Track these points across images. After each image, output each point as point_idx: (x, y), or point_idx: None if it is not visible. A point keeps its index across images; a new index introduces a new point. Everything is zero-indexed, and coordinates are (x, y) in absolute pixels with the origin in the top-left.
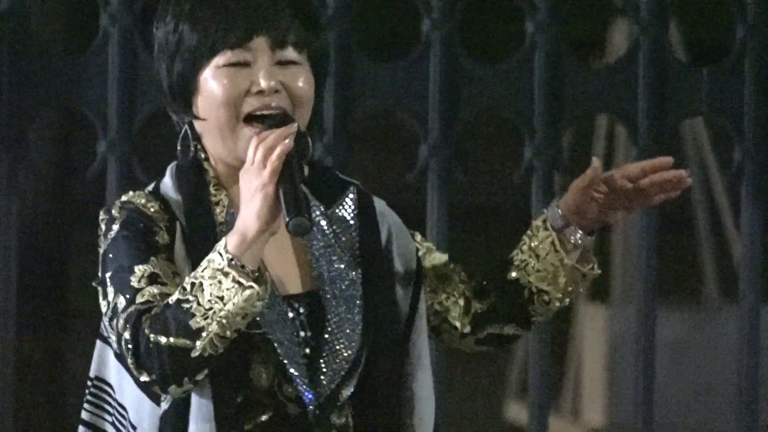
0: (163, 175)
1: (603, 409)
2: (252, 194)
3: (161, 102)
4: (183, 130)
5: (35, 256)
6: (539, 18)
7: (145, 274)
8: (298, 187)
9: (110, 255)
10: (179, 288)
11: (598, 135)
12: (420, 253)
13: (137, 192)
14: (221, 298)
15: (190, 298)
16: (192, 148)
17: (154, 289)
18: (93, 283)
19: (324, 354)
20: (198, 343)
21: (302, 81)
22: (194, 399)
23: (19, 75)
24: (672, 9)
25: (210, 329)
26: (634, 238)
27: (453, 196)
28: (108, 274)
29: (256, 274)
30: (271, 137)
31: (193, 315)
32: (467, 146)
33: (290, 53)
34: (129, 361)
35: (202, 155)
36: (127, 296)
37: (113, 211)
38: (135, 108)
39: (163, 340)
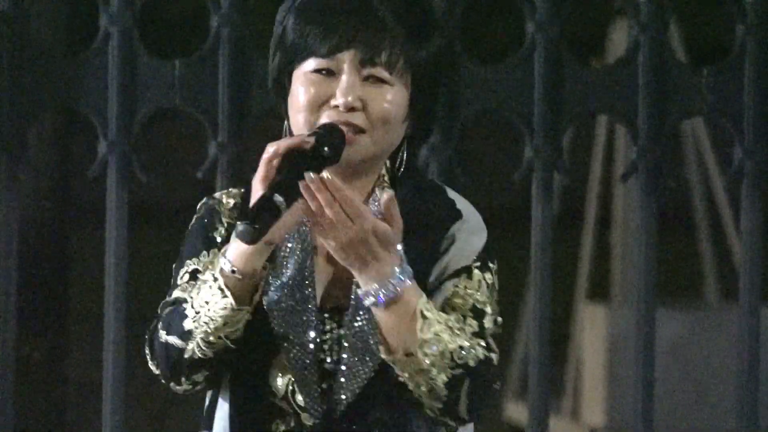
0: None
1: (603, 409)
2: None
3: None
4: (284, 127)
5: (35, 256)
6: (539, 18)
7: (189, 270)
8: (271, 198)
9: (182, 248)
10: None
11: (598, 135)
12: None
13: (236, 188)
14: (207, 303)
15: (188, 298)
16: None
17: (190, 286)
18: None
19: (344, 369)
20: (189, 344)
21: (386, 101)
22: (219, 400)
23: (20, 75)
24: (672, 9)
25: (196, 333)
26: (633, 238)
27: None
28: (174, 266)
29: (245, 281)
30: (273, 146)
31: (186, 316)
32: (467, 146)
33: (379, 71)
34: (147, 352)
35: None
36: (170, 291)
37: (198, 206)
38: (135, 108)
39: (164, 337)
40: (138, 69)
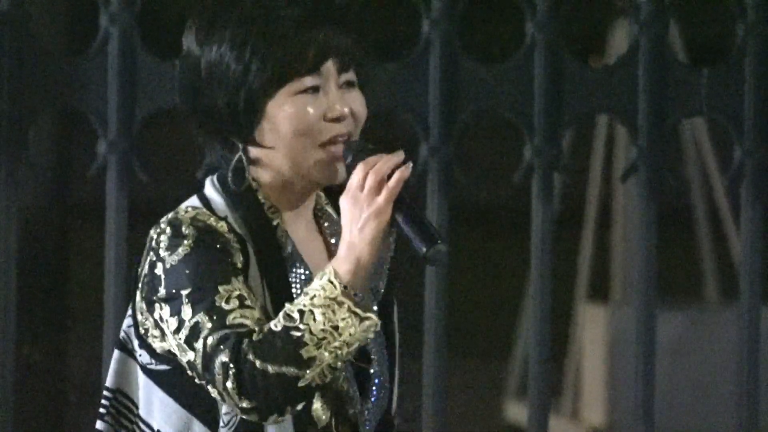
0: (196, 186)
1: (603, 409)
2: (365, 221)
3: (210, 127)
4: (237, 156)
5: (35, 256)
6: (539, 18)
7: (232, 295)
8: (422, 213)
9: (186, 271)
10: (283, 316)
11: (598, 135)
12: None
13: (195, 209)
14: (336, 328)
15: (301, 326)
16: (248, 175)
17: (247, 312)
18: (154, 297)
19: (372, 387)
20: (308, 372)
21: (362, 104)
22: (271, 429)
23: (20, 75)
24: (672, 9)
25: (323, 359)
26: (634, 238)
27: (453, 196)
28: (184, 292)
29: (366, 302)
30: (381, 163)
31: (305, 344)
32: (467, 146)
33: (351, 76)
34: (229, 386)
35: (252, 179)
36: (214, 317)
37: (183, 228)
38: (135, 108)
39: (270, 368)
40: (138, 69)
